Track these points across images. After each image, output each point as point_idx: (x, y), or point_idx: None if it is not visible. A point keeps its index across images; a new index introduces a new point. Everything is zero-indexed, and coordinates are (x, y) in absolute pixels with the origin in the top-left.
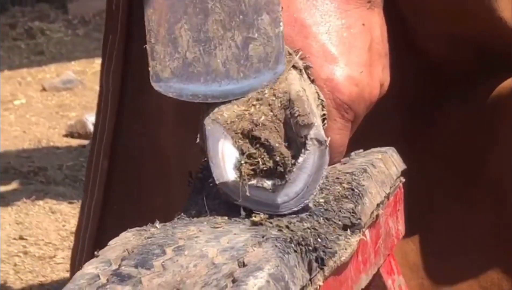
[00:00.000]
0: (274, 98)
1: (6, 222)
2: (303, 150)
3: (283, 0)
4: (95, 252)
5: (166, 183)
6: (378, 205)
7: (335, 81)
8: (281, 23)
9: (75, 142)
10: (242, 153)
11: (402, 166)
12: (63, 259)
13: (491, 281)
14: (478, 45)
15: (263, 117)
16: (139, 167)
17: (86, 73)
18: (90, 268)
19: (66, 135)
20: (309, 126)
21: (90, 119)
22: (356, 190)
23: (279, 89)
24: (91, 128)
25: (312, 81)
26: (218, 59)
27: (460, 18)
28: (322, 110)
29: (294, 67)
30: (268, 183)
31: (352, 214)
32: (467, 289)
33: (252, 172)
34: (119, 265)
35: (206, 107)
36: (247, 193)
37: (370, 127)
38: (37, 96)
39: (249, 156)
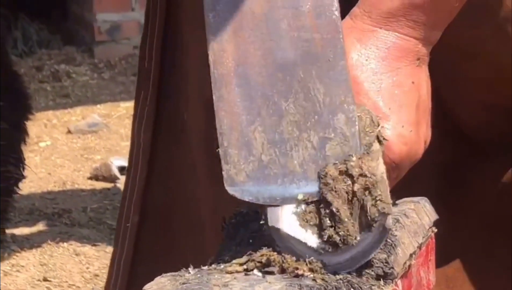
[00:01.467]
0: (359, 174)
1: (30, 263)
2: (366, 230)
3: None
4: None
5: (198, 237)
6: (410, 255)
7: (388, 143)
8: (357, 122)
9: (99, 185)
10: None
11: (434, 216)
12: None
13: None
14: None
15: (339, 185)
16: (169, 221)
17: (111, 116)
18: None
19: (90, 178)
20: (386, 215)
21: (114, 162)
22: (389, 240)
23: (368, 166)
24: (115, 171)
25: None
26: (294, 160)
27: (498, 87)
28: None
29: (378, 139)
30: (318, 244)
31: (385, 264)
32: None
33: (306, 225)
34: None
35: None
36: (294, 248)
37: (404, 185)
38: (62, 139)
39: (309, 211)
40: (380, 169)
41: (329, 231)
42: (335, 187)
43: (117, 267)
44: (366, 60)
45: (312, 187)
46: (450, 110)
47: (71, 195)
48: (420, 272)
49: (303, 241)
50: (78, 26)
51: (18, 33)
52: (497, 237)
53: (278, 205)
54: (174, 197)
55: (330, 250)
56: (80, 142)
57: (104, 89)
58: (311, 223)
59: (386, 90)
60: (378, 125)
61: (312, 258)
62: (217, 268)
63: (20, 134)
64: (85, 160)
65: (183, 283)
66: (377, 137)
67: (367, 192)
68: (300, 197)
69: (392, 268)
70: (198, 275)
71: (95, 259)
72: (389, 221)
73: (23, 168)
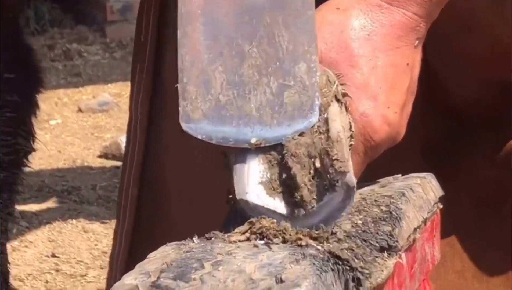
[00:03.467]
0: (315, 134)
1: (39, 239)
2: (330, 190)
3: (336, 23)
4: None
5: (192, 211)
6: (415, 229)
7: (370, 118)
8: (317, 73)
9: (109, 163)
10: (268, 171)
11: (440, 192)
12: (94, 278)
13: None
14: (504, 87)
15: (299, 150)
16: (167, 195)
17: (122, 96)
18: (129, 279)
19: (100, 156)
20: (344, 173)
21: (124, 141)
22: (394, 213)
23: (321, 125)
24: None
25: (347, 110)
26: (252, 104)
27: (492, 61)
28: (350, 140)
29: (336, 98)
30: (287, 209)
31: (389, 236)
32: None
33: (273, 193)
34: (158, 277)
35: None
36: (264, 216)
37: (392, 162)
38: (73, 117)
39: (274, 178)
40: (335, 127)
41: (292, 198)
42: (295, 152)
43: (119, 240)
44: (368, 35)
45: (266, 132)
46: (441, 84)
47: (81, 173)
48: (425, 247)
49: (273, 209)
50: (91, 5)
51: (30, 12)
52: (488, 214)
53: (242, 176)
54: (171, 172)
55: (300, 215)
56: (90, 121)
57: (115, 68)
58: (278, 190)
59: (381, 68)
60: (335, 83)
61: (314, 228)
62: (221, 237)
63: (31, 107)
64: (95, 139)
65: (187, 252)
66: (335, 97)
67: (324, 154)
68: (253, 141)
69: (397, 241)
70: (202, 244)
71: (103, 237)
72: (351, 178)
73: (33, 141)
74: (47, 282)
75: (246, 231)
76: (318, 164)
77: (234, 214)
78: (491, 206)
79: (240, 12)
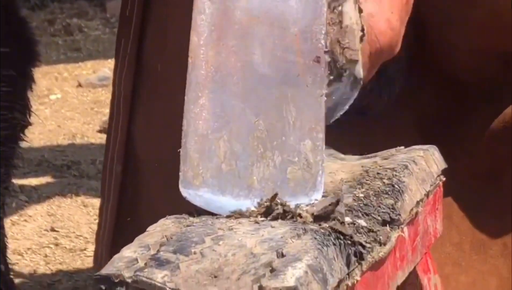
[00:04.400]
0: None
1: (38, 213)
2: (337, 79)
3: None
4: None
5: (173, 192)
6: (417, 202)
7: (376, 18)
8: (323, 153)
9: None
10: None
11: (443, 164)
12: (93, 252)
13: None
14: (504, 58)
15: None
16: (149, 172)
17: None
18: (128, 252)
19: (100, 131)
20: (354, 62)
21: None
22: (396, 186)
23: (334, 17)
24: None
25: (360, 12)
26: (254, 176)
27: (493, 32)
28: (360, 42)
29: None
30: None
31: (391, 210)
32: None
33: None
34: (158, 251)
35: None
36: None
37: (390, 135)
38: (72, 92)
39: None
40: (348, 17)
41: None
42: None
43: (104, 217)
44: None
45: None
46: (440, 56)
47: (81, 148)
48: (427, 220)
49: None
50: None
51: None
52: (485, 186)
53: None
54: (152, 149)
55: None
56: (90, 96)
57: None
58: None
59: None
60: None
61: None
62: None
63: (27, 81)
64: (95, 113)
65: (188, 226)
66: None
67: (335, 43)
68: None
69: (399, 214)
70: (203, 219)
71: None
72: (359, 69)
73: (30, 115)
74: (46, 256)
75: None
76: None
77: None
78: (489, 178)
79: (250, 84)
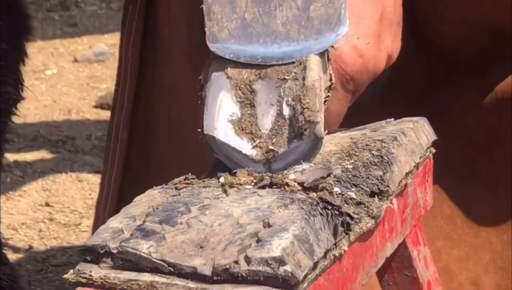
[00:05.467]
0: (290, 77)
1: (33, 189)
2: (298, 138)
3: None
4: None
5: (181, 155)
6: (407, 174)
7: (340, 50)
8: None
9: (104, 113)
10: (240, 110)
11: (433, 136)
12: (88, 227)
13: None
14: (494, 30)
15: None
16: (156, 138)
17: (118, 46)
18: (114, 222)
19: (96, 106)
20: (314, 123)
21: None
22: (385, 157)
23: (298, 72)
24: None
25: (328, 59)
26: (278, 20)
27: (482, 4)
28: (330, 80)
29: None
30: (252, 152)
31: (380, 181)
32: (483, 270)
33: (241, 133)
34: (144, 221)
35: (216, 57)
36: (230, 155)
37: (377, 116)
38: (68, 67)
39: (244, 119)
40: (312, 76)
41: (255, 142)
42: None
43: (107, 186)
44: None
45: (294, 48)
46: (431, 28)
47: (76, 123)
48: (417, 192)
49: (238, 149)
50: None
51: None
52: (478, 158)
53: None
54: (159, 116)
55: (264, 158)
56: (86, 71)
57: (112, 19)
58: (247, 131)
59: (348, 1)
60: None
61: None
62: (209, 182)
63: (19, 55)
64: (90, 89)
65: (174, 196)
66: None
67: (297, 100)
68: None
69: (388, 186)
70: (190, 188)
71: (97, 186)
72: (320, 129)
73: (22, 89)
74: (40, 231)
75: (235, 178)
76: (288, 111)
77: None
78: (482, 150)
79: None
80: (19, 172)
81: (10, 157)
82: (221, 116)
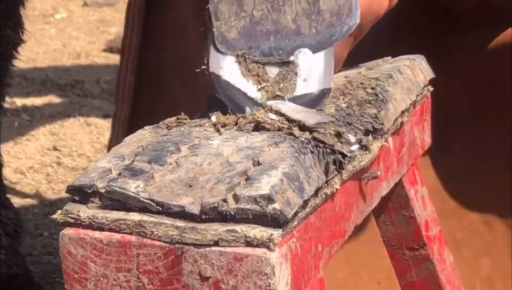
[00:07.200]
0: None
1: (40, 133)
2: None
3: None
4: None
5: (191, 96)
6: (402, 112)
7: None
8: None
9: (113, 57)
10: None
11: (430, 74)
12: None
13: None
14: None
15: None
16: (165, 79)
17: None
18: (103, 162)
19: (105, 50)
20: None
21: None
22: (380, 95)
23: None
24: None
25: None
26: (287, 15)
27: None
28: None
29: None
30: (257, 94)
31: (374, 119)
32: (493, 208)
33: (247, 74)
34: (132, 161)
35: None
36: (233, 96)
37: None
38: (78, 11)
39: (251, 60)
40: None
41: (261, 84)
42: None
43: (117, 126)
44: None
45: (306, 42)
46: None
47: (85, 67)
48: (414, 131)
49: (243, 90)
50: None
51: None
52: (485, 97)
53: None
54: (168, 56)
55: (266, 96)
56: (96, 15)
57: None
58: (253, 73)
59: None
60: None
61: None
62: (201, 122)
63: None
64: (100, 33)
65: (164, 135)
66: None
67: None
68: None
69: (382, 124)
70: (181, 128)
71: (105, 130)
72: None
73: (22, 32)
74: (48, 175)
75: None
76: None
77: (216, 97)
78: (489, 91)
79: None
80: (27, 116)
81: (18, 101)
82: (229, 56)
